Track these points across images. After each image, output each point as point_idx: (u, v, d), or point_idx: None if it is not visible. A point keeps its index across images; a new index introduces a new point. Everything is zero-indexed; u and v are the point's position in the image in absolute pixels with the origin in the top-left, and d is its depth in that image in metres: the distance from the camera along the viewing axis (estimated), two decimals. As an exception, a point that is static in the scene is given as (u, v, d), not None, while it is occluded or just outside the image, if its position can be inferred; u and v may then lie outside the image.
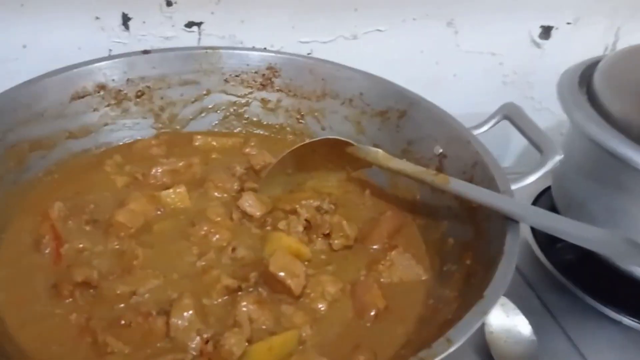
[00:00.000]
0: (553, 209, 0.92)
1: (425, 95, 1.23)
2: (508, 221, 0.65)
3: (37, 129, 0.79)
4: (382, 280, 0.71)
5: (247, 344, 0.59)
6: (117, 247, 0.70)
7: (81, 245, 0.69)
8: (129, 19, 0.96)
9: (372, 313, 0.66)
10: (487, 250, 0.65)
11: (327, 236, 0.76)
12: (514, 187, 0.71)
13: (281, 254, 0.68)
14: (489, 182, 0.72)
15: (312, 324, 0.64)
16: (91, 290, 0.64)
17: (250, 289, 0.66)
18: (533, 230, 0.96)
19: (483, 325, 0.76)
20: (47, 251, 0.69)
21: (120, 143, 0.89)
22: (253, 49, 0.97)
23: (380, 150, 0.80)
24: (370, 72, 0.92)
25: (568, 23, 1.13)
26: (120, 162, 0.84)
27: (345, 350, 0.62)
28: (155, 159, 0.85)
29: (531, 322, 0.77)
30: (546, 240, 0.94)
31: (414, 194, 0.84)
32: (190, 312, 0.60)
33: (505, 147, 1.24)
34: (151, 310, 0.61)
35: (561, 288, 0.87)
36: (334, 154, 0.83)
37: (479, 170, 0.75)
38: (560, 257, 0.92)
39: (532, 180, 0.72)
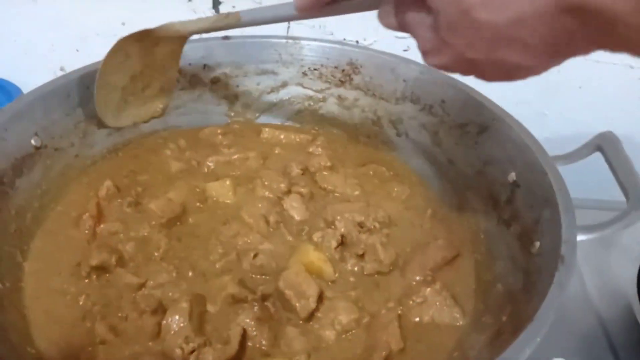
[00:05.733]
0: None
1: (540, 106, 1.08)
2: (554, 284, 0.53)
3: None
4: (410, 318, 0.63)
5: (226, 363, 0.55)
6: (146, 234, 0.69)
7: (115, 229, 0.70)
8: (219, 2, 0.96)
9: (383, 354, 0.59)
10: (525, 309, 0.55)
11: (361, 257, 0.69)
12: (584, 237, 0.58)
13: (296, 271, 0.63)
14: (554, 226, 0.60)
15: (312, 353, 0.59)
16: (107, 275, 0.64)
17: (255, 303, 0.62)
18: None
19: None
20: (86, 227, 0.70)
21: (189, 128, 0.89)
22: (337, 42, 0.91)
23: (173, 21, 0.73)
24: (457, 79, 0.81)
25: None
26: (183, 147, 0.84)
27: (337, 391, 0.56)
28: (218, 147, 0.85)
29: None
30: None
31: (478, 221, 0.74)
32: (182, 317, 0.58)
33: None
34: (147, 307, 0.60)
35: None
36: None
37: (547, 210, 0.63)
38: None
39: (609, 232, 0.58)
